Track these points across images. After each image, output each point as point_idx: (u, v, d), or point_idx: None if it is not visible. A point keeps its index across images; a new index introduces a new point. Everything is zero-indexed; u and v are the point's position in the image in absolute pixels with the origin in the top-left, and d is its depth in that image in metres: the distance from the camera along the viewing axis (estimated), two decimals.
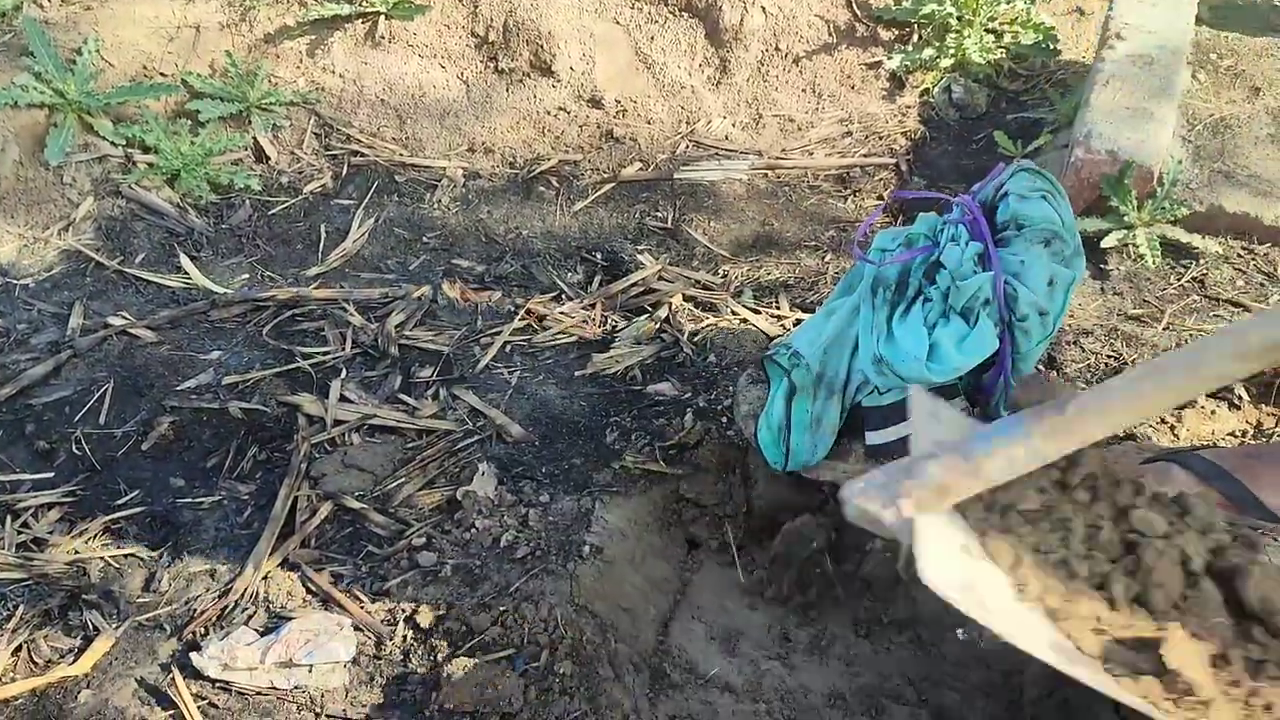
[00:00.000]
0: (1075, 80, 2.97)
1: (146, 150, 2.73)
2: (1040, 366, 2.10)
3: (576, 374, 2.22)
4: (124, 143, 2.73)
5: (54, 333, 2.31)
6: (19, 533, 1.86)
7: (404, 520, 1.88)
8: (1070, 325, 2.21)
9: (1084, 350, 2.15)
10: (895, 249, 1.67)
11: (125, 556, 1.83)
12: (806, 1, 3.10)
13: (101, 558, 1.82)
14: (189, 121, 2.81)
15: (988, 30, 3.10)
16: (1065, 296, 1.62)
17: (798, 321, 2.31)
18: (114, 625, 1.69)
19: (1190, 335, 2.17)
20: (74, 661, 1.63)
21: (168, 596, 1.75)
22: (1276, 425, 1.98)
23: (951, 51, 3.04)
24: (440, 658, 1.60)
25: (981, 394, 1.74)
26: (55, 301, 2.41)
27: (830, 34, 3.12)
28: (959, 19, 3.05)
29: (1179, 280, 2.33)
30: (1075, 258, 1.62)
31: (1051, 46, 3.07)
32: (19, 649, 1.66)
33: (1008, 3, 3.11)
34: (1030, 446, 1.10)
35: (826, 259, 2.52)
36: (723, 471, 1.95)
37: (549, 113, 2.99)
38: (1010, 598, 1.13)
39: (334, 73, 3.00)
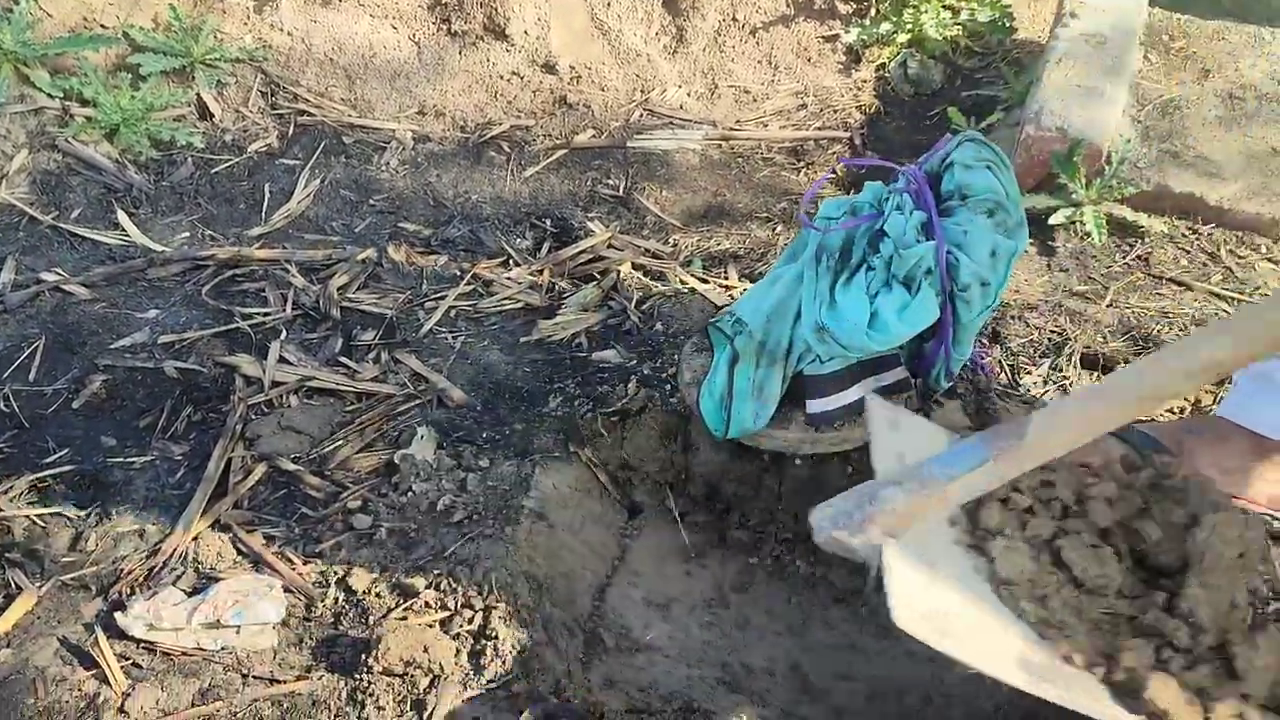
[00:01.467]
0: (1030, 58, 2.97)
1: (85, 103, 2.66)
2: (983, 340, 2.10)
3: (522, 340, 2.19)
4: (61, 95, 2.65)
5: None
6: None
7: (340, 483, 1.84)
8: (1016, 300, 2.22)
9: (1029, 325, 2.16)
10: (840, 217, 1.65)
11: (52, 515, 1.79)
12: None
13: (27, 516, 1.77)
14: (130, 75, 2.73)
15: (945, 6, 3.10)
16: (1007, 267, 1.62)
17: (745, 292, 2.30)
18: (37, 584, 1.65)
19: (1133, 313, 2.18)
20: None
21: (94, 556, 1.71)
22: (1214, 402, 2.00)
23: (908, 27, 3.04)
24: (372, 620, 1.58)
25: (922, 363, 1.74)
26: None
27: (788, 6, 3.10)
28: None
29: (1124, 258, 2.34)
30: (1018, 229, 1.62)
31: (1008, 24, 3.08)
32: None
33: None
34: (992, 472, 1.17)
35: (777, 230, 2.51)
36: (665, 439, 1.94)
37: (502, 77, 2.95)
38: (981, 612, 1.17)
39: (282, 30, 2.93)
